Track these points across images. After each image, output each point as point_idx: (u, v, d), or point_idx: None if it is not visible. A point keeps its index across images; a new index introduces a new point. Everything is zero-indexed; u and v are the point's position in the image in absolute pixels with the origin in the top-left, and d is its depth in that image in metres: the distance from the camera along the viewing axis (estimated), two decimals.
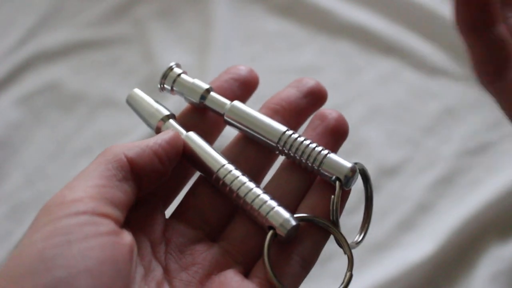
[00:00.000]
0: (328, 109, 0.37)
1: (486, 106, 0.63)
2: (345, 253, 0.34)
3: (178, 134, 0.34)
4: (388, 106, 0.65)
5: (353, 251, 0.34)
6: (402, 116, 0.64)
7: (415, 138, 0.62)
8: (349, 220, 0.49)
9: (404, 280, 0.54)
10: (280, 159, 0.37)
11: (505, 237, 0.55)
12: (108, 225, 0.29)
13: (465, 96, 0.65)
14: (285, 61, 0.69)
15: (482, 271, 0.54)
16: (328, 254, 0.34)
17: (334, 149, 0.36)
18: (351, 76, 0.68)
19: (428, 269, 0.54)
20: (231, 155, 0.36)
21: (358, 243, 0.35)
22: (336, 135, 0.36)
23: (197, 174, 0.36)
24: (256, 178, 0.36)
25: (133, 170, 0.31)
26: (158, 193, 0.34)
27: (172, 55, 0.68)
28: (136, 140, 0.61)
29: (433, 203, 0.58)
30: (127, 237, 0.30)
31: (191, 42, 0.70)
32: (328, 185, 0.34)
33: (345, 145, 0.37)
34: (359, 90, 0.67)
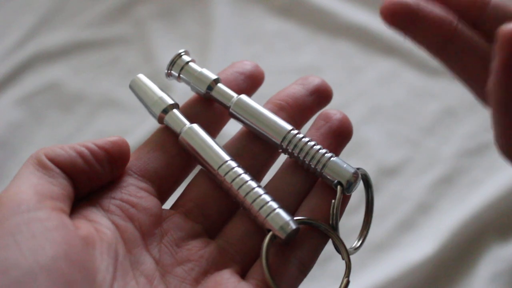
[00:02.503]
0: (333, 109, 0.36)
1: None
2: (343, 258, 0.33)
3: (121, 139, 0.33)
4: (388, 106, 0.65)
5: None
6: (402, 116, 0.64)
7: (415, 138, 0.62)
8: (348, 222, 0.49)
9: (404, 280, 0.54)
10: (282, 156, 0.36)
11: (505, 237, 0.55)
12: (55, 220, 0.28)
13: (465, 96, 0.64)
14: (285, 61, 0.69)
15: (482, 271, 0.54)
16: (328, 255, 0.34)
17: (337, 150, 0.35)
18: (351, 76, 0.68)
19: (428, 269, 0.54)
20: (233, 149, 0.35)
21: (356, 248, 0.35)
22: (339, 136, 0.36)
23: (199, 166, 0.35)
24: (258, 174, 0.35)
25: (59, 167, 0.31)
26: (152, 183, 0.34)
27: (172, 55, 0.67)
28: (137, 140, 0.61)
29: (433, 203, 0.58)
30: (82, 228, 0.29)
31: (191, 42, 0.70)
32: (329, 188, 0.34)
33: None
34: (359, 90, 0.67)
